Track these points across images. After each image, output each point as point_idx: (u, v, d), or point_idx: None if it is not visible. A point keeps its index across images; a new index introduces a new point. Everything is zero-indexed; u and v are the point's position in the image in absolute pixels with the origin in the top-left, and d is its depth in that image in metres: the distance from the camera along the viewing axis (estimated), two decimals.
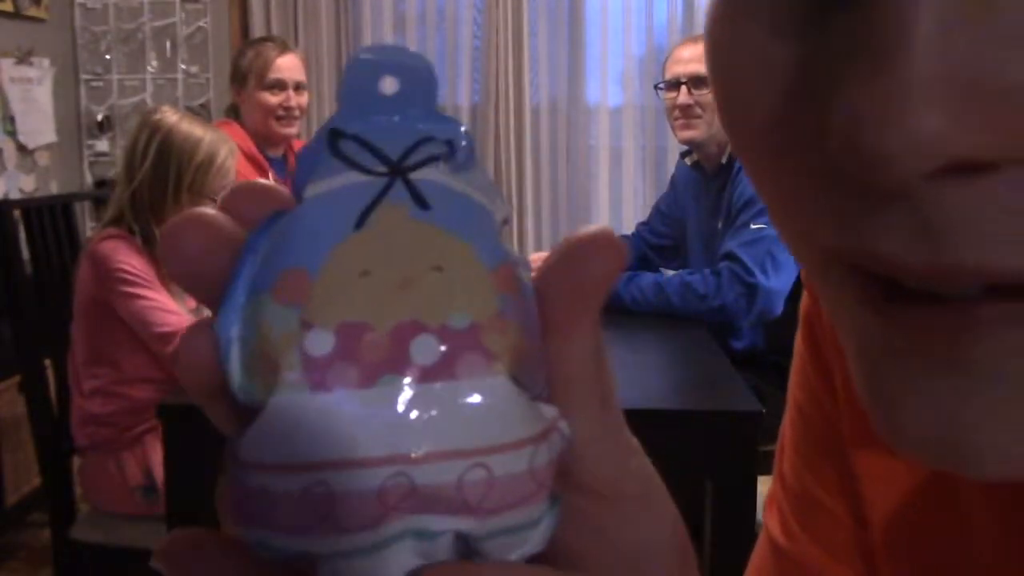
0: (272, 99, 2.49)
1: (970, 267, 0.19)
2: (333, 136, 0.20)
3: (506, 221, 0.21)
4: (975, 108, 0.17)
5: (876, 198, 0.19)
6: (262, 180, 0.21)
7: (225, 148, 1.91)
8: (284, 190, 0.21)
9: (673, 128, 2.36)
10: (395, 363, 0.19)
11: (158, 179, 1.86)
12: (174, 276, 0.20)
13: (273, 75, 2.49)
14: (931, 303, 0.20)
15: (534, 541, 0.19)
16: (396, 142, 0.20)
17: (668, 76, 2.33)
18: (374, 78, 0.21)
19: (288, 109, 2.51)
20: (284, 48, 2.56)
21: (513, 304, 0.20)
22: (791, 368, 0.45)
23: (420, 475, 0.18)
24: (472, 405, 0.19)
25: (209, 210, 0.20)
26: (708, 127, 2.27)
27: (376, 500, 0.18)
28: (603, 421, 0.21)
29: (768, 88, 0.21)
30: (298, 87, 2.53)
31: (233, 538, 0.20)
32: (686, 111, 2.28)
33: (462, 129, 0.21)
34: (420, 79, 0.21)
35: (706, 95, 2.26)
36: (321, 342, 0.19)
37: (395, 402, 0.18)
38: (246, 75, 2.51)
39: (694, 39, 2.39)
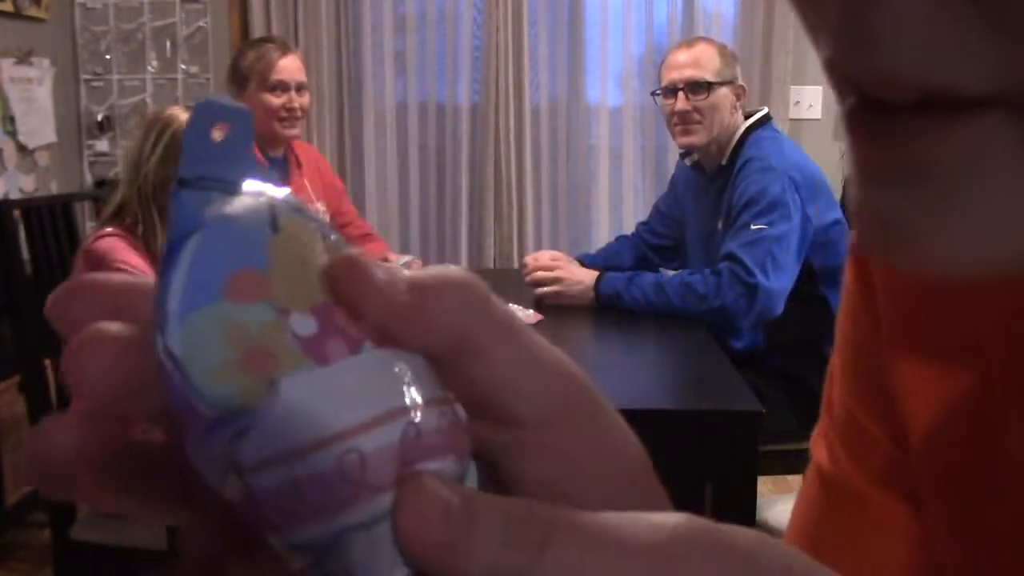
0: (275, 100, 2.49)
1: (905, 77, 0.21)
2: (195, 179, 0.22)
3: None
4: None
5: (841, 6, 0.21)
6: (89, 277, 0.22)
7: None
8: (114, 280, 0.22)
9: (672, 134, 2.35)
10: (366, 333, 0.20)
11: (166, 172, 1.86)
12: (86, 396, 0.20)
13: (276, 76, 2.49)
14: (885, 114, 0.22)
15: None
16: (245, 175, 0.22)
17: (665, 82, 2.32)
18: (209, 126, 0.22)
19: (291, 110, 2.51)
20: (286, 49, 2.56)
21: None
22: (840, 302, 0.47)
23: (424, 422, 0.20)
24: (424, 362, 0.21)
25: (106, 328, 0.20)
26: (707, 132, 2.27)
27: (398, 453, 0.19)
28: (510, 353, 0.22)
29: None
30: (300, 88, 2.53)
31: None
32: (684, 117, 2.27)
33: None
34: (243, 125, 0.23)
35: (703, 100, 2.25)
36: (305, 324, 0.20)
37: (383, 364, 0.20)
38: (247, 76, 2.51)
39: (689, 43, 2.38)
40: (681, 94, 2.26)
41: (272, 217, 0.21)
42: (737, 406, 1.52)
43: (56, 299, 0.21)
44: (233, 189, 0.21)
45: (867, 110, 0.23)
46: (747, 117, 2.30)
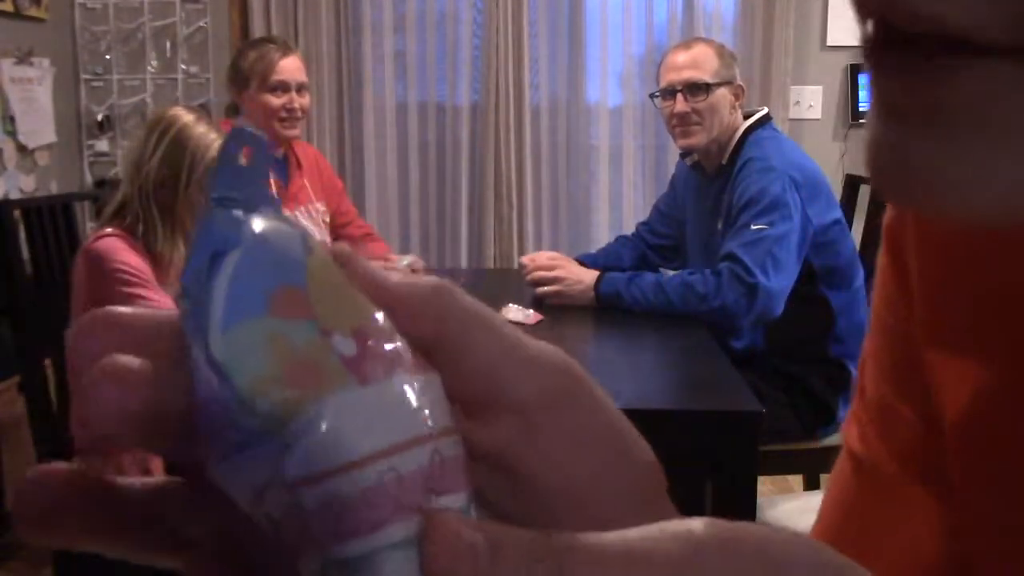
0: (275, 101, 2.49)
1: (923, 15, 0.21)
2: (229, 200, 0.22)
3: None
4: None
5: None
6: (111, 310, 0.22)
7: None
8: (137, 314, 0.22)
9: (672, 135, 2.35)
10: (396, 359, 0.21)
11: (170, 170, 1.86)
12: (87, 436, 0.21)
13: (276, 77, 2.49)
14: (903, 49, 0.22)
15: None
16: (264, 201, 0.23)
17: (663, 84, 2.32)
18: (239, 150, 0.23)
19: (291, 111, 2.51)
20: (287, 50, 2.56)
21: None
22: (874, 285, 0.47)
23: (445, 448, 0.20)
24: (442, 393, 0.21)
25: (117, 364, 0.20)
26: (707, 133, 2.26)
27: (427, 475, 0.20)
28: (494, 343, 0.23)
29: None
30: (300, 89, 2.53)
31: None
32: (684, 119, 2.27)
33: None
34: (264, 153, 0.23)
35: (702, 102, 2.25)
36: (346, 345, 0.20)
37: (414, 388, 0.21)
38: (248, 77, 2.50)
39: (686, 44, 2.37)
40: (680, 96, 2.26)
41: (305, 239, 0.22)
42: (737, 406, 1.52)
43: (78, 332, 0.22)
44: (258, 211, 0.22)
45: (887, 45, 0.23)
46: (747, 117, 2.30)
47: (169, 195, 1.86)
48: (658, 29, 3.70)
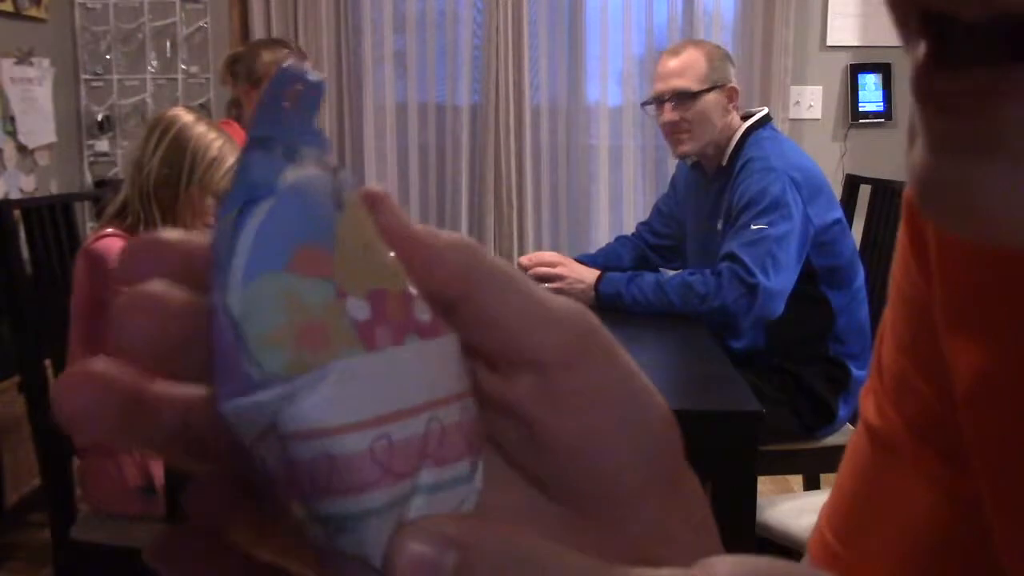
0: None
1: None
2: (270, 141, 0.22)
3: None
4: None
5: None
6: (162, 233, 0.22)
7: (234, 154, 1.93)
8: (187, 240, 0.22)
9: (668, 142, 2.36)
10: (410, 323, 0.21)
11: (170, 170, 1.87)
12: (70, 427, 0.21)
13: None
14: (949, 68, 0.22)
15: (471, 499, 0.21)
16: (309, 141, 0.22)
17: (653, 93, 2.32)
18: (285, 91, 0.22)
19: None
20: (302, 57, 2.57)
21: None
22: (893, 258, 0.47)
23: (446, 417, 0.21)
24: (456, 357, 0.22)
25: (96, 364, 0.21)
26: (696, 142, 2.26)
27: (421, 444, 0.20)
28: (518, 298, 0.23)
29: None
30: None
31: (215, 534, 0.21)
32: (674, 127, 2.27)
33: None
34: (315, 94, 0.23)
35: (689, 111, 2.24)
36: (360, 308, 0.20)
37: (422, 357, 0.21)
38: (262, 78, 2.50)
39: (675, 50, 2.35)
40: (667, 105, 2.26)
41: (338, 194, 0.22)
42: (737, 406, 1.52)
43: (127, 253, 0.22)
44: (299, 153, 0.22)
45: (934, 68, 0.22)
46: (747, 117, 2.30)
47: (170, 195, 1.87)
48: (658, 29, 3.71)
